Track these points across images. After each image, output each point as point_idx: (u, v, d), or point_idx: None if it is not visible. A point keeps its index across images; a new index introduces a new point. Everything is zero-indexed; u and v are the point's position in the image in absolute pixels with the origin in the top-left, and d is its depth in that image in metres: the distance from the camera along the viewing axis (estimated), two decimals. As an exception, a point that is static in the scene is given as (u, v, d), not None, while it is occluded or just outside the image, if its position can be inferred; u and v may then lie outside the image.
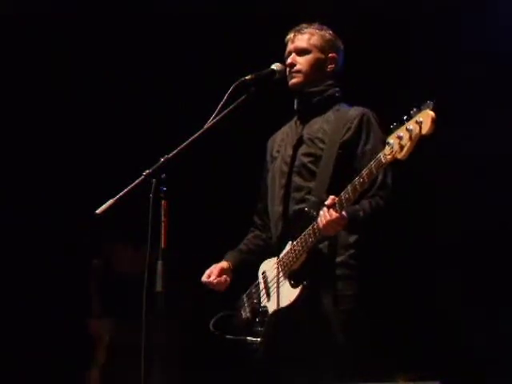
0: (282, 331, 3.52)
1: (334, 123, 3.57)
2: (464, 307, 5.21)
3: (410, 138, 3.02)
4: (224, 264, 3.75)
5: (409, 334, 5.19)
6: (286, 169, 3.65)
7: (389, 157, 3.12)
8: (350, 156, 3.50)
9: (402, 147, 3.06)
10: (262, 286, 3.64)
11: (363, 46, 5.00)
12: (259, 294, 3.64)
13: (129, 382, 4.89)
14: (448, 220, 5.26)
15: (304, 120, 3.70)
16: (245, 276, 3.79)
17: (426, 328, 5.21)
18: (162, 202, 3.17)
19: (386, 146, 3.12)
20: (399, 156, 3.08)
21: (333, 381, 3.35)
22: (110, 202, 3.16)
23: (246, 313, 3.65)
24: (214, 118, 3.41)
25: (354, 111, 3.60)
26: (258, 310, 3.59)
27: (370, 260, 3.54)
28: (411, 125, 3.02)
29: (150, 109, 5.88)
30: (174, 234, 3.14)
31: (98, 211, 3.15)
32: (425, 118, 2.99)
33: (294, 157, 3.64)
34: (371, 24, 5.27)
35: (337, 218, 3.27)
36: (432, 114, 2.99)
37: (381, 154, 3.16)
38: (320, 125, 3.62)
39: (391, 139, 3.10)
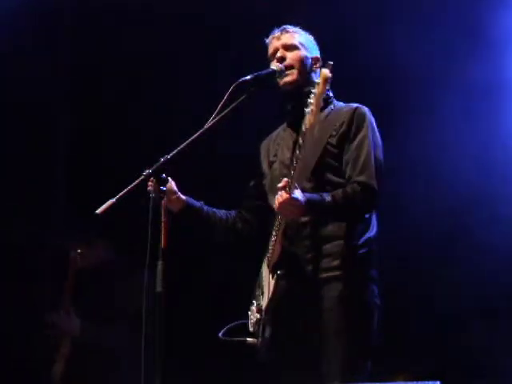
0: (281, 330, 3.52)
1: (328, 121, 3.57)
2: (464, 307, 5.21)
3: (315, 101, 3.17)
4: (178, 192, 3.67)
5: (409, 333, 5.19)
6: (285, 172, 3.61)
7: (307, 124, 3.22)
8: (339, 149, 3.51)
9: (312, 112, 3.19)
10: (260, 286, 3.65)
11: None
12: (259, 295, 3.64)
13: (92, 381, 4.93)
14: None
15: (298, 122, 3.66)
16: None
17: (425, 328, 5.21)
18: (162, 202, 3.17)
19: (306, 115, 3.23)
20: (312, 120, 3.20)
21: (332, 380, 3.34)
22: (110, 201, 3.16)
23: (255, 316, 3.65)
24: (213, 117, 3.41)
25: (348, 107, 3.61)
26: (259, 310, 3.59)
27: (375, 261, 3.54)
28: (315, 88, 3.18)
29: (150, 109, 5.88)
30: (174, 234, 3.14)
31: (98, 211, 3.15)
32: (321, 79, 3.15)
33: (293, 160, 3.61)
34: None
35: (287, 198, 3.28)
36: (325, 72, 3.14)
37: (303, 124, 3.25)
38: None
39: (308, 107, 3.21)
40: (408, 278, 5.17)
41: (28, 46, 5.84)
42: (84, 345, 4.96)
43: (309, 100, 3.18)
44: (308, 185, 3.46)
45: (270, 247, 3.53)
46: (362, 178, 3.44)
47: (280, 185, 3.31)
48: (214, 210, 3.84)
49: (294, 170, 3.29)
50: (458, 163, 5.19)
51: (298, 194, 3.30)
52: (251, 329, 3.63)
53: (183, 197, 3.72)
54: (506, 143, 5.26)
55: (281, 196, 3.30)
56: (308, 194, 3.36)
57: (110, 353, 4.92)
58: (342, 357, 3.39)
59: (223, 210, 3.88)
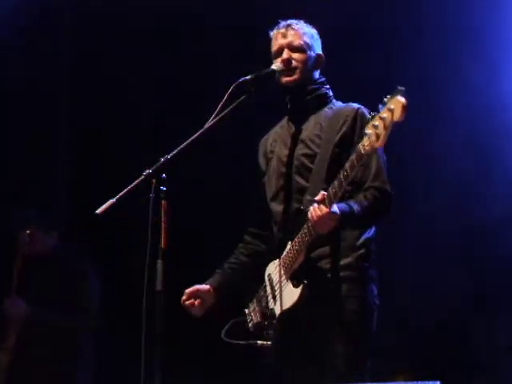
0: (290, 333, 3.51)
1: (330, 121, 3.55)
2: (464, 307, 5.21)
3: (384, 126, 3.03)
4: (202, 286, 3.72)
5: (409, 333, 5.19)
6: (283, 169, 3.63)
7: (367, 147, 3.12)
8: (345, 152, 3.49)
9: (378, 136, 3.06)
10: (268, 288, 3.63)
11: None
12: (267, 297, 3.62)
13: (39, 370, 4.96)
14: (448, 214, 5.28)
15: (297, 119, 3.67)
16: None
17: (425, 328, 5.21)
18: (162, 201, 3.17)
19: (364, 137, 3.13)
20: (376, 145, 3.08)
21: (338, 381, 3.34)
22: (110, 201, 3.15)
23: (256, 317, 3.64)
24: (214, 117, 3.40)
25: (349, 107, 3.59)
26: (267, 314, 3.58)
27: (374, 261, 3.54)
28: (384, 113, 3.03)
29: (150, 108, 5.89)
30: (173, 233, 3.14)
31: (98, 211, 3.14)
32: (396, 105, 3.00)
33: (291, 157, 3.61)
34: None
35: (327, 213, 3.25)
36: (402, 100, 3.00)
37: (360, 146, 3.16)
38: (316, 123, 3.60)
39: (368, 129, 3.10)
40: (408, 277, 5.17)
41: (28, 46, 5.85)
42: (31, 332, 4.97)
43: (375, 123, 3.07)
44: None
45: (286, 252, 3.50)
46: (377, 184, 3.44)
47: (317, 198, 3.27)
48: (235, 261, 3.79)
49: (333, 187, 3.25)
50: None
51: (335, 207, 3.28)
52: (252, 329, 3.63)
53: (206, 286, 3.71)
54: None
55: (319, 209, 3.25)
56: (340, 206, 3.31)
57: (57, 339, 4.97)
58: (342, 357, 3.39)
59: (240, 246, 3.83)
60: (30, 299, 5.02)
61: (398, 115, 2.99)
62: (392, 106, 3.01)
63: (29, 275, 5.09)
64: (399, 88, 3.02)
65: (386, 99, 3.04)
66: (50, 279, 5.07)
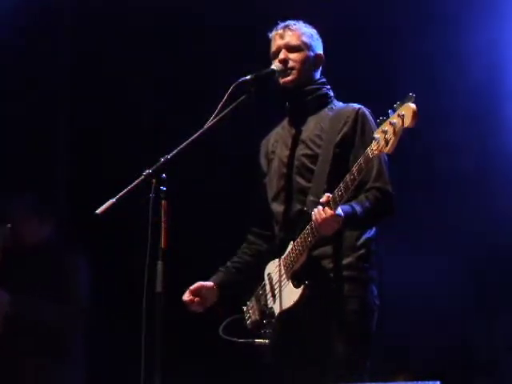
0: (290, 332, 3.52)
1: (331, 121, 3.55)
2: (464, 307, 5.21)
3: (394, 131, 3.04)
4: (206, 283, 3.72)
5: (409, 333, 5.19)
6: (284, 170, 3.63)
7: (376, 152, 3.13)
8: (346, 153, 3.50)
9: (387, 141, 3.07)
10: (267, 287, 3.64)
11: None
12: (266, 296, 3.63)
13: (26, 363, 4.94)
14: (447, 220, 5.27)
15: (298, 120, 3.67)
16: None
17: (425, 328, 5.21)
18: (162, 202, 3.17)
19: (373, 141, 3.14)
20: (385, 150, 3.10)
21: (338, 381, 3.34)
22: (110, 201, 3.16)
23: (255, 315, 3.65)
24: (214, 118, 3.40)
25: (350, 108, 3.60)
26: (265, 312, 3.59)
27: (374, 262, 3.54)
28: (394, 119, 3.05)
29: (150, 109, 5.88)
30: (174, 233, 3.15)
31: (98, 211, 3.14)
32: (406, 111, 3.01)
33: (291, 157, 3.62)
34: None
35: (331, 215, 3.25)
36: (413, 106, 3.01)
37: (368, 150, 3.17)
38: (316, 124, 3.60)
39: (377, 134, 3.12)
40: (408, 277, 5.17)
41: (28, 46, 5.85)
42: (18, 324, 4.92)
43: (384, 128, 3.08)
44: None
45: (287, 252, 3.50)
46: (379, 184, 3.44)
47: (322, 200, 3.27)
48: (239, 260, 3.80)
49: (339, 189, 3.26)
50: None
51: (340, 210, 3.28)
52: (249, 326, 3.64)
53: (209, 283, 3.72)
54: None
55: (324, 212, 3.25)
56: (344, 208, 3.31)
57: (45, 329, 4.91)
58: (342, 357, 3.40)
59: (244, 246, 3.85)
60: (17, 288, 4.99)
61: (408, 121, 3.00)
62: (402, 112, 3.02)
63: (15, 265, 5.05)
64: (410, 94, 3.03)
65: (396, 105, 3.05)
66: (41, 269, 5.03)
